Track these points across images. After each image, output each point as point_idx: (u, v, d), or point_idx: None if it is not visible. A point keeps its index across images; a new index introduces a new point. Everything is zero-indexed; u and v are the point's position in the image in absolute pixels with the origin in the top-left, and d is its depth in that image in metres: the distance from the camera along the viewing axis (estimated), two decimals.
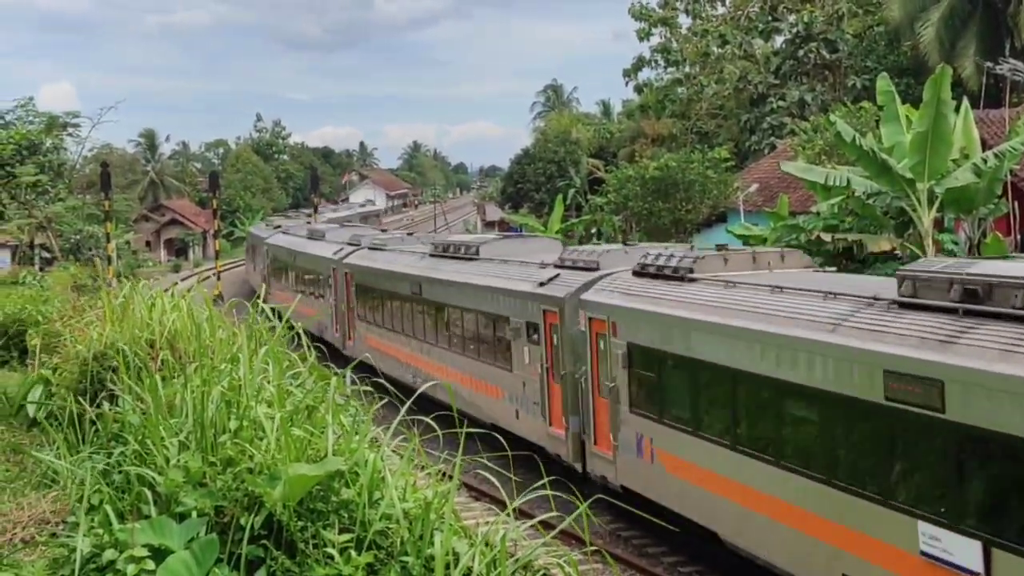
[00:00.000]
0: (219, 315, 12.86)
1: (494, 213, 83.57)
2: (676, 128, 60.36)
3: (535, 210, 67.14)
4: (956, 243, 26.43)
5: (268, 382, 9.30)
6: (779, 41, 58.61)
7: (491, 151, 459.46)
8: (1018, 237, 28.99)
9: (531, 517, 8.45)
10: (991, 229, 27.22)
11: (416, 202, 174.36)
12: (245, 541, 7.02)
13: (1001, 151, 24.34)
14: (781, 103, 53.83)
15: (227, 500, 7.33)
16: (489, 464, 8.19)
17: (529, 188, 70.50)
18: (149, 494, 7.57)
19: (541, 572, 7.42)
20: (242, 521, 7.15)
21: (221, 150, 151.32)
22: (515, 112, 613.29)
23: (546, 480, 7.70)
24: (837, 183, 26.12)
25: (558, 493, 8.08)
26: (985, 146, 27.08)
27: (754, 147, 54.39)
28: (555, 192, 63.34)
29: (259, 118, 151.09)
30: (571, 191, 64.46)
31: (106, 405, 9.99)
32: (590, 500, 7.60)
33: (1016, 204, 28.43)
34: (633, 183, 43.99)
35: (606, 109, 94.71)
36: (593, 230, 54.80)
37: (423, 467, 8.35)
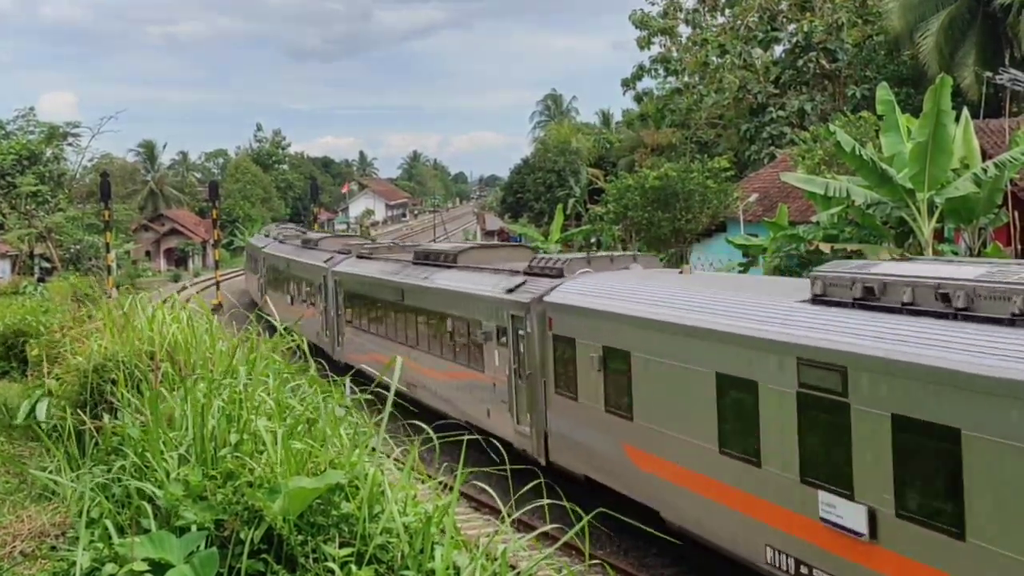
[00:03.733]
0: (219, 326, 12.85)
1: (494, 223, 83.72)
2: (676, 138, 60.40)
3: (535, 220, 67.25)
4: (956, 253, 26.40)
5: (268, 394, 9.29)
6: (779, 51, 58.67)
7: (491, 161, 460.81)
8: (1018, 247, 28.96)
9: (528, 526, 8.42)
10: (991, 239, 27.23)
11: (416, 212, 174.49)
12: (245, 555, 6.99)
13: (1001, 161, 24.33)
14: (781, 113, 53.87)
15: (227, 514, 7.30)
16: (487, 471, 8.18)
17: (529, 198, 70.61)
18: (149, 508, 7.54)
19: None
20: (242, 535, 7.11)
21: (221, 160, 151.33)
22: (515, 122, 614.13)
23: (546, 502, 7.67)
24: (837, 193, 26.13)
25: (557, 502, 8.03)
26: (985, 156, 27.08)
27: (754, 157, 54.42)
28: (555, 202, 63.42)
29: (259, 128, 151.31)
30: (571, 201, 64.56)
31: (106, 417, 9.96)
32: (592, 513, 7.54)
33: (1016, 214, 28.42)
34: (633, 193, 43.97)
35: (606, 119, 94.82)
36: (593, 240, 54.76)
37: (423, 480, 8.32)
